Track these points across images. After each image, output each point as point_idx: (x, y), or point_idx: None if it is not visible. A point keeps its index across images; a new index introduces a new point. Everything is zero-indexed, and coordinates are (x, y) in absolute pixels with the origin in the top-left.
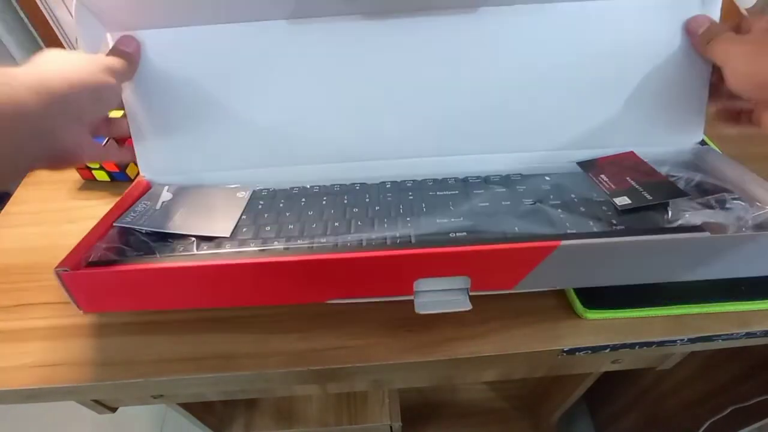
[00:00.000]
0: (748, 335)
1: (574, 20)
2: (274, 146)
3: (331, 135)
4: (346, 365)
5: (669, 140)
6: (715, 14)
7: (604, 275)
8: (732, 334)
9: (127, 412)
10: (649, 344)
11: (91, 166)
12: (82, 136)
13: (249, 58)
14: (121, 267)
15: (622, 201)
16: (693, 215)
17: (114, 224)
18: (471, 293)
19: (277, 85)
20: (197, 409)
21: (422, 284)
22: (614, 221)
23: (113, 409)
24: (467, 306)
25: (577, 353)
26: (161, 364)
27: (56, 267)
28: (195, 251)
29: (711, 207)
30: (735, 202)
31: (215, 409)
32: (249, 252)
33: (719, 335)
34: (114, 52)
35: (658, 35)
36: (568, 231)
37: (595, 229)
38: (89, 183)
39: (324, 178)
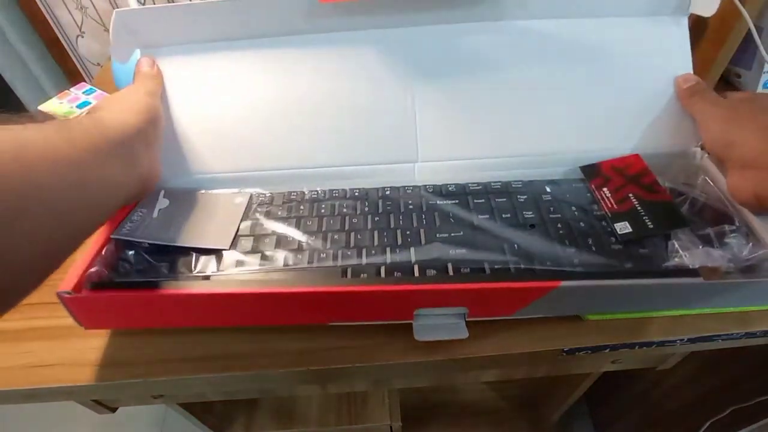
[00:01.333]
0: (748, 335)
1: (575, 32)
2: (270, 149)
3: (328, 139)
4: (346, 365)
5: (672, 143)
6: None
7: (600, 306)
8: (732, 334)
9: (127, 412)
10: (649, 344)
11: None
12: (155, 161)
13: (243, 62)
14: (122, 293)
15: (623, 229)
16: (691, 254)
17: (111, 237)
18: (469, 319)
19: (271, 89)
20: (197, 409)
21: (422, 312)
22: (614, 248)
23: (113, 409)
24: (464, 334)
25: (577, 353)
26: (161, 364)
27: (59, 290)
28: (195, 269)
29: (710, 241)
30: (733, 236)
31: (215, 409)
32: (249, 270)
33: (719, 335)
34: (146, 75)
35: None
36: (567, 264)
37: (594, 259)
38: None
39: (322, 183)
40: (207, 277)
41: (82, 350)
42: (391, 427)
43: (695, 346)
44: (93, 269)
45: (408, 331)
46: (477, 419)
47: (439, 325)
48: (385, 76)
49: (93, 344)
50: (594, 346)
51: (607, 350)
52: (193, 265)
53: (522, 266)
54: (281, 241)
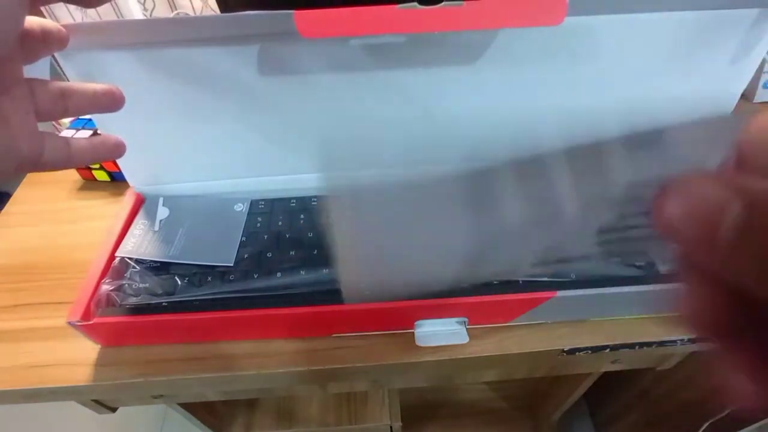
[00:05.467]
0: None
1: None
2: (262, 155)
3: (325, 144)
4: (346, 365)
5: None
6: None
7: (597, 313)
8: None
9: (127, 412)
10: (649, 344)
11: (91, 165)
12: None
13: (237, 70)
14: (130, 318)
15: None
16: None
17: (116, 255)
18: (469, 326)
19: (266, 94)
20: (197, 409)
21: (423, 322)
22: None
23: (113, 409)
24: (465, 339)
25: (577, 353)
26: (161, 364)
27: (69, 319)
28: (200, 287)
29: None
30: None
31: (215, 409)
32: (252, 288)
33: None
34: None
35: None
36: (564, 275)
37: (591, 267)
38: (89, 183)
39: (320, 187)
40: (213, 297)
41: (82, 350)
42: (391, 427)
43: (695, 346)
44: (101, 291)
45: (408, 331)
46: (477, 419)
47: (440, 331)
48: (380, 80)
49: (93, 344)
50: (594, 346)
51: (607, 350)
52: (198, 283)
53: (520, 280)
54: (283, 257)
